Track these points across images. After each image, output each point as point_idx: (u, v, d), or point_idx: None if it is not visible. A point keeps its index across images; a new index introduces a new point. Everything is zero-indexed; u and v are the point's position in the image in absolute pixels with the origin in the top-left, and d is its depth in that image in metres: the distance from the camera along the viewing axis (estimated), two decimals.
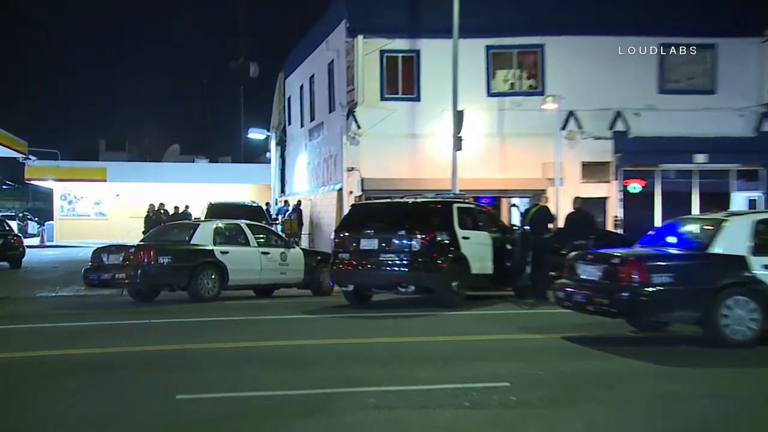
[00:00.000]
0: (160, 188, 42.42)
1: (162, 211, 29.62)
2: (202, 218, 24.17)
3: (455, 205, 15.16)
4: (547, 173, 24.53)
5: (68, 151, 48.86)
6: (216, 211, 24.50)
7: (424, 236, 14.00)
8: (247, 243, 16.87)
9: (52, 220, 44.37)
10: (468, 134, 22.58)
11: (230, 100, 60.62)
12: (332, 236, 15.29)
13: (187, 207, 32.36)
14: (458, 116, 21.51)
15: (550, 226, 16.79)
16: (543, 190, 22.69)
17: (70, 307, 15.46)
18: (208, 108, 66.71)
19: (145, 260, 15.21)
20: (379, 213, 15.25)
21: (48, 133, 59.07)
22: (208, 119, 67.11)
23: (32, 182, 46.49)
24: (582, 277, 10.59)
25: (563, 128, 24.55)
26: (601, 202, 24.90)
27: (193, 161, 47.41)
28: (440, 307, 14.00)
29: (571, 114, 24.79)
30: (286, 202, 32.93)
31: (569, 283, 10.78)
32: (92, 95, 77.62)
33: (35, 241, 42.39)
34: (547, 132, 24.16)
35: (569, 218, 17.06)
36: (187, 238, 16.24)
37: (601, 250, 11.05)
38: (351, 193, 24.84)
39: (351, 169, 24.93)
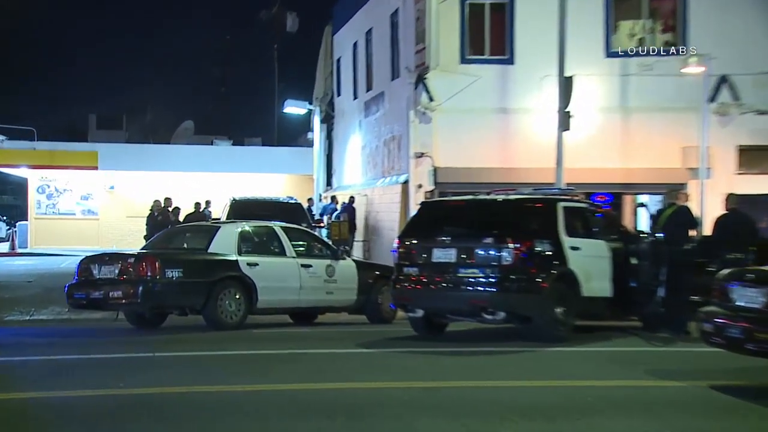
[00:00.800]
0: (168, 179, 43.05)
1: (170, 209, 30.02)
2: (223, 219, 24.42)
3: (560, 205, 15.04)
4: (688, 161, 24.15)
5: (48, 130, 49.98)
6: (241, 209, 24.73)
7: (518, 245, 13.93)
8: (282, 252, 17.00)
9: (26, 219, 45.34)
10: (579, 109, 22.38)
11: (260, 63, 61.20)
12: (395, 244, 15.31)
13: (208, 204, 32.76)
14: (566, 84, 21.32)
15: (692, 233, 16.53)
16: (682, 185, 22.34)
17: (49, 334, 15.75)
18: (231, 74, 67.52)
19: (149, 274, 15.43)
20: (457, 214, 15.22)
21: (21, 106, 60.44)
22: (231, 88, 67.91)
23: (0, 170, 47.59)
24: (739, 303, 10.39)
25: (712, 100, 24.15)
26: (766, 200, 24.41)
27: (212, 143, 48.02)
28: (539, 341, 13.90)
29: (723, 80, 24.36)
30: (333, 198, 33.11)
31: (720, 311, 10.58)
32: (80, 57, 78.93)
33: (4, 247, 43.39)
34: (689, 105, 23.79)
35: (720, 223, 16.75)
36: (203, 246, 16.43)
37: (766, 268, 10.81)
38: (420, 186, 24.85)
39: (420, 155, 24.94)
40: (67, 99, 69.92)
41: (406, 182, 25.61)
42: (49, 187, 45.09)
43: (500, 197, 15.31)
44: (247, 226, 17.17)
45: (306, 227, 21.18)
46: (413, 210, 22.09)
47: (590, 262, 14.85)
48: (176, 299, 15.86)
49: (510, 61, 24.96)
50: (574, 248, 14.58)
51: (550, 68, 22.18)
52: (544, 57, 22.89)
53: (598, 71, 24.54)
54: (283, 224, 18.00)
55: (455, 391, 10.22)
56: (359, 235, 30.62)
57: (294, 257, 17.06)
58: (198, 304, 15.86)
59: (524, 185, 17.75)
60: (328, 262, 17.48)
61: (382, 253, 27.08)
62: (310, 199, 34.62)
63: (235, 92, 67.59)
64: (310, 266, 17.15)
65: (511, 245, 13.91)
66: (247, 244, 16.75)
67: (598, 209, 16.53)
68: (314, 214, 31.82)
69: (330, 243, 19.97)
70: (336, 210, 31.36)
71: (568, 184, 20.05)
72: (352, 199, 30.76)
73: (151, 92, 63.95)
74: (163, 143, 49.88)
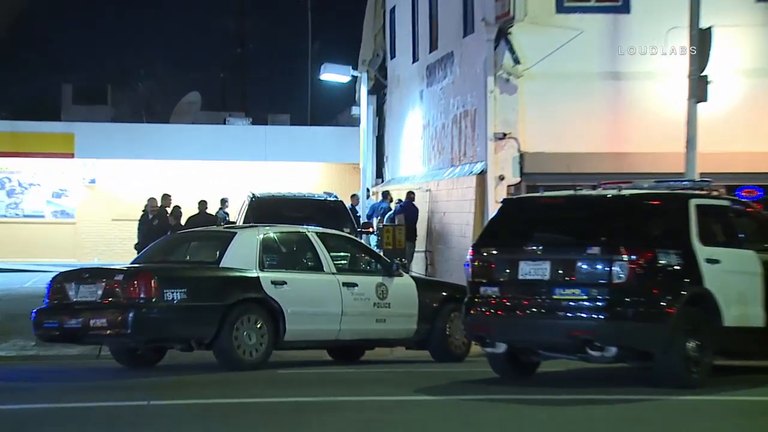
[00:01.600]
0: (167, 170, 43.30)
1: (168, 210, 30.21)
2: (240, 222, 24.50)
3: (693, 202, 14.90)
4: None
5: (8, 105, 50.49)
6: (264, 210, 24.82)
7: (635, 257, 13.81)
8: (317, 267, 17.02)
9: None
10: (719, 72, 22.18)
11: (289, 15, 61.42)
12: (468, 256, 15.27)
13: (224, 203, 32.90)
14: (702, 39, 21.11)
15: None
16: None
17: (10, 376, 15.84)
18: (250, 29, 67.79)
19: (142, 296, 15.47)
20: (552, 215, 15.14)
21: None
22: (249, 49, 68.18)
23: None
24: None
25: None
26: None
27: (225, 122, 48.26)
28: (664, 387, 13.76)
29: None
30: (385, 194, 33.11)
31: None
32: (51, 8, 79.51)
33: None
34: None
35: None
36: (214, 258, 16.49)
37: None
38: (502, 178, 24.78)
39: (502, 137, 24.86)
40: (33, 64, 70.39)
41: (482, 173, 25.54)
42: (9, 181, 45.53)
43: (610, 192, 15.16)
44: (271, 233, 17.20)
45: (349, 233, 21.19)
46: (492, 210, 22.00)
47: (734, 280, 14.68)
48: (178, 329, 15.88)
49: (624, 9, 24.82)
50: (711, 261, 14.42)
51: (679, 17, 22.05)
52: (671, 2, 22.73)
53: (747, 20, 24.32)
54: (320, 229, 18.03)
55: None
56: (420, 243, 30.59)
57: (334, 273, 17.05)
58: (207, 336, 15.87)
59: (643, 176, 17.62)
60: (378, 279, 17.45)
61: (450, 267, 27.03)
62: (354, 196, 34.66)
63: (256, 54, 67.83)
64: (356, 285, 17.13)
65: (625, 257, 13.79)
66: (272, 256, 16.79)
67: (746, 208, 16.33)
68: (360, 216, 31.85)
69: (381, 254, 19.95)
70: (389, 210, 31.34)
71: (703, 175, 19.84)
72: (410, 196, 30.73)
73: (145, 55, 64.37)
74: (161, 122, 50.21)
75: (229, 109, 53.78)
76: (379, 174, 38.46)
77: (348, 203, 30.17)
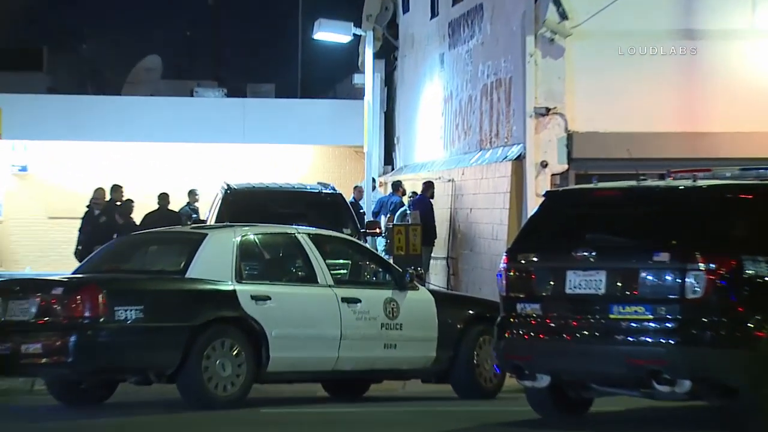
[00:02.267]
0: (118, 154, 43.30)
1: (118, 205, 30.24)
2: (212, 221, 24.52)
3: None
4: None
5: None
6: (242, 205, 24.87)
7: (714, 266, 13.80)
8: (310, 278, 17.03)
9: None
10: None
11: None
12: (502, 263, 15.27)
13: (192, 195, 32.85)
14: None
15: None
16: None
17: None
18: None
19: (87, 314, 15.48)
20: (608, 212, 15.15)
21: None
22: (223, 2, 68.35)
23: None
24: None
25: None
26: None
27: (192, 94, 48.26)
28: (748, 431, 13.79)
29: None
30: (397, 186, 33.13)
31: None
32: None
33: None
34: None
35: None
36: (178, 267, 16.50)
37: None
38: (544, 165, 24.80)
39: (545, 113, 24.87)
40: None
41: (520, 158, 25.55)
42: None
43: (683, 184, 15.18)
44: (251, 234, 17.19)
45: (351, 235, 21.20)
46: (533, 205, 22.02)
47: None
48: (133, 357, 15.87)
49: None
50: None
51: None
52: None
53: None
54: (313, 230, 18.06)
55: None
56: (440, 247, 30.61)
57: (330, 286, 17.04)
58: (169, 366, 15.85)
59: (724, 163, 17.59)
60: (387, 294, 17.44)
61: (478, 278, 27.08)
62: (357, 188, 34.68)
63: (232, 8, 67.98)
64: (358, 302, 17.11)
65: (701, 265, 13.79)
66: (252, 264, 16.83)
67: None
68: (364, 213, 31.86)
69: (391, 261, 19.97)
70: (401, 206, 31.36)
71: None
72: (428, 187, 30.75)
73: (91, 9, 64.51)
74: (111, 94, 50.25)
75: (197, 77, 53.79)
76: (389, 160, 38.48)
77: (349, 197, 30.17)
